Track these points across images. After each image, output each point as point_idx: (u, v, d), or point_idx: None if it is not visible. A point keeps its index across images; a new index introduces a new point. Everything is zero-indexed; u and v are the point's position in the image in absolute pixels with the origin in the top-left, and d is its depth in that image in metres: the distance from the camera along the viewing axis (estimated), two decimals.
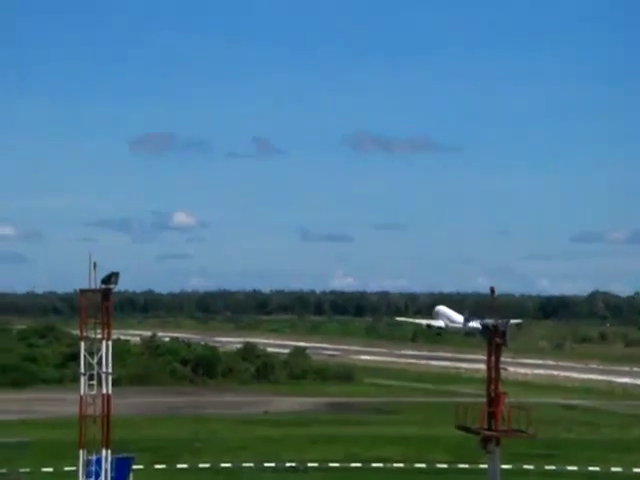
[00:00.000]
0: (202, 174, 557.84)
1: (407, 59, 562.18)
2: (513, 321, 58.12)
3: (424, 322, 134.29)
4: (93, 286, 57.08)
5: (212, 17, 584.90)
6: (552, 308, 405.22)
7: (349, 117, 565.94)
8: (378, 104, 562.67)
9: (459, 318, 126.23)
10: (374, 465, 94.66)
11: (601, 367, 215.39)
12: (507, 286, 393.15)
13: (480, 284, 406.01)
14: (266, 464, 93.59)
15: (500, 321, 57.93)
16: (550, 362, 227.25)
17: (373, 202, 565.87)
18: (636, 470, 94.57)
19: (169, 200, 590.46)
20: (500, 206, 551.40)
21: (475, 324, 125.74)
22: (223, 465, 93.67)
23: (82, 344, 58.04)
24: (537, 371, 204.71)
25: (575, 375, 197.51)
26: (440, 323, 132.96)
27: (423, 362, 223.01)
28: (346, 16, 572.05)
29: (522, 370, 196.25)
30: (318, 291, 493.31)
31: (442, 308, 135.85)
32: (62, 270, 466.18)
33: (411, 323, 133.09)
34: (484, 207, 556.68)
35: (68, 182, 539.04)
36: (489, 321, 57.95)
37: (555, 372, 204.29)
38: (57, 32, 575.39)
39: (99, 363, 57.18)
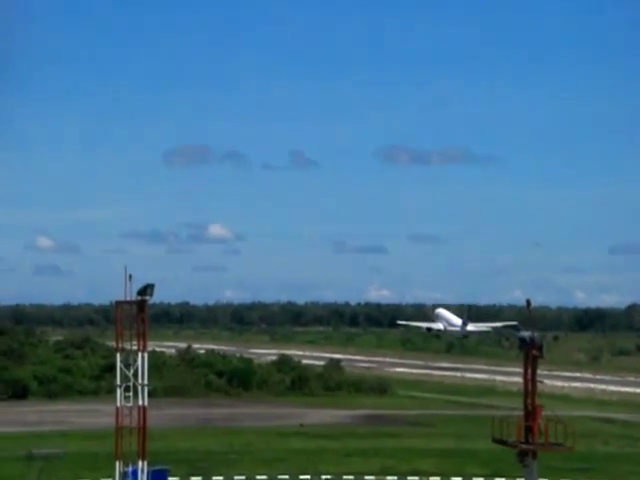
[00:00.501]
0: (237, 186, 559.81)
1: (441, 70, 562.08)
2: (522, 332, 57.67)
3: (425, 325, 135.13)
4: (129, 298, 57.30)
5: (246, 31, 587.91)
6: (589, 320, 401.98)
7: (383, 129, 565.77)
8: (412, 116, 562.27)
9: (457, 321, 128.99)
10: (410, 478, 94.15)
11: (638, 380, 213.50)
12: (543, 298, 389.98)
13: (516, 296, 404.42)
14: (302, 477, 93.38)
15: (536, 334, 57.53)
16: (587, 375, 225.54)
17: (408, 214, 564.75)
18: None
19: (204, 212, 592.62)
20: (536, 217, 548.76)
21: (472, 327, 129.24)
22: (258, 477, 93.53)
23: (118, 355, 58.25)
24: (574, 384, 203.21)
25: (612, 388, 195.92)
26: (439, 326, 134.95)
27: (458, 374, 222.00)
28: (378, 29, 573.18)
29: (559, 383, 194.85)
30: (353, 303, 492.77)
31: (442, 311, 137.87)
32: (98, 281, 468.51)
33: (414, 327, 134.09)
34: (519, 218, 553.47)
35: (104, 194, 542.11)
36: (526, 333, 57.56)
37: (592, 385, 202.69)
38: (91, 47, 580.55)
39: (135, 375, 57.33)
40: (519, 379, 61.28)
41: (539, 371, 58.65)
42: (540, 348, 57.22)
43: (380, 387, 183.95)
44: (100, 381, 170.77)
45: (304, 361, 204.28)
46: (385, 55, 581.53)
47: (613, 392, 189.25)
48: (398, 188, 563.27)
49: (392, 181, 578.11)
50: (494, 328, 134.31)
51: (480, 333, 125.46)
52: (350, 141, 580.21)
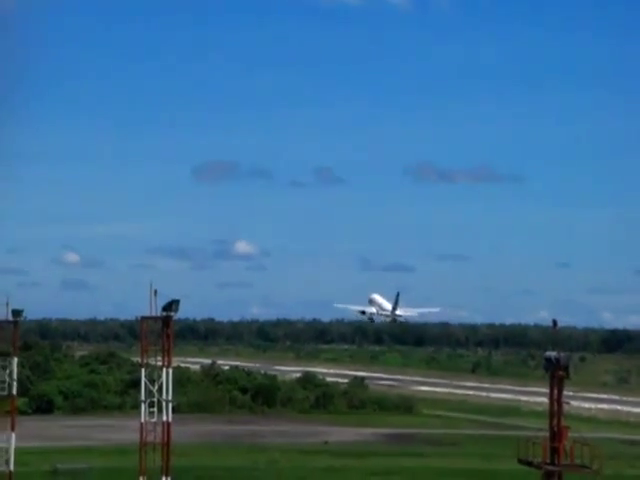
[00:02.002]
0: (264, 203, 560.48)
1: (468, 90, 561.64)
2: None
3: (359, 309, 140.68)
4: (154, 313, 57.36)
5: (274, 48, 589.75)
6: (616, 342, 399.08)
7: (411, 147, 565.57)
8: (440, 134, 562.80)
9: (388, 307, 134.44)
10: None
11: None
12: (570, 319, 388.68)
13: (542, 317, 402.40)
14: None
15: (562, 354, 57.14)
16: (614, 397, 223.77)
17: (434, 232, 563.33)
18: None
19: (231, 228, 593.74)
20: (563, 238, 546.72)
21: (400, 312, 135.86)
22: None
23: (143, 371, 58.28)
24: (600, 405, 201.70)
25: (639, 410, 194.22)
26: (372, 310, 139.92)
27: (483, 394, 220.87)
28: (408, 49, 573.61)
29: (585, 404, 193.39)
30: (378, 321, 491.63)
31: (376, 296, 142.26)
32: (124, 297, 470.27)
33: (352, 312, 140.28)
34: (546, 238, 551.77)
35: (131, 210, 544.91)
36: (552, 354, 57.20)
37: (619, 407, 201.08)
38: (122, 63, 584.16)
39: (159, 390, 57.34)
40: (544, 399, 60.83)
41: (565, 392, 58.22)
42: (566, 368, 56.81)
43: (405, 405, 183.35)
44: (125, 396, 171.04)
45: (328, 379, 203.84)
46: (413, 74, 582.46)
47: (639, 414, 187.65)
48: (424, 206, 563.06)
49: (418, 199, 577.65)
50: (420, 313, 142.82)
51: (407, 317, 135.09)
52: (377, 159, 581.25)
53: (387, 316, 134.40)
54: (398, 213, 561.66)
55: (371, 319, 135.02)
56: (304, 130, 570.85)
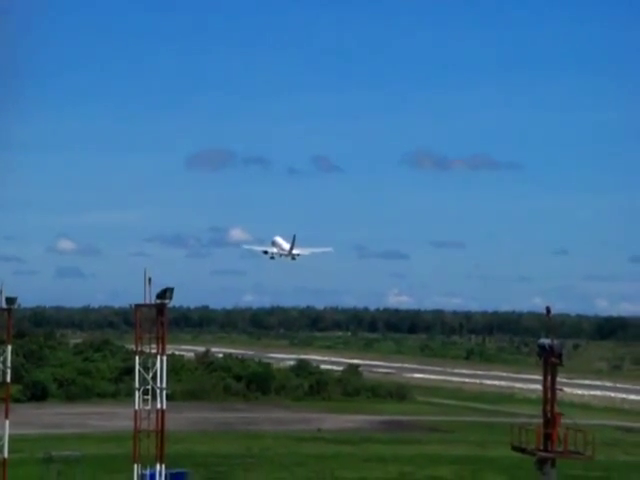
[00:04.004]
0: (260, 191, 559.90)
1: (465, 78, 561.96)
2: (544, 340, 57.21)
3: (261, 248, 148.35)
4: (148, 301, 57.31)
5: (271, 36, 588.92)
6: (610, 329, 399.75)
7: (408, 135, 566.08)
8: (436, 122, 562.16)
9: (287, 246, 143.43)
10: None
11: None
12: (564, 306, 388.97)
13: (536, 303, 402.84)
14: None
15: (556, 341, 57.19)
16: (607, 384, 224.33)
17: (430, 220, 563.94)
18: None
19: (226, 216, 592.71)
20: (558, 225, 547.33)
21: (296, 251, 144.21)
22: None
23: (137, 359, 58.27)
24: (594, 392, 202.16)
25: (633, 397, 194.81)
26: (274, 250, 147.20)
27: (477, 381, 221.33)
28: (405, 37, 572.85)
29: (579, 391, 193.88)
30: (372, 308, 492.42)
31: (277, 238, 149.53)
32: (119, 284, 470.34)
33: (257, 251, 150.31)
34: (542, 226, 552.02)
35: (126, 198, 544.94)
36: (545, 341, 57.25)
37: (612, 394, 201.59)
38: (116, 51, 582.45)
39: (154, 378, 57.34)
40: (538, 386, 60.93)
41: (559, 379, 58.34)
42: (560, 356, 56.87)
43: (399, 393, 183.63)
44: (119, 384, 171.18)
45: (322, 366, 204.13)
46: (411, 62, 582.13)
47: (633, 401, 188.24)
48: (421, 194, 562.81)
49: (415, 187, 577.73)
50: (312, 253, 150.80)
51: (302, 256, 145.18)
52: (373, 147, 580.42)
53: (286, 255, 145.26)
54: (395, 201, 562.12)
55: (272, 257, 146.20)
56: (301, 118, 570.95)
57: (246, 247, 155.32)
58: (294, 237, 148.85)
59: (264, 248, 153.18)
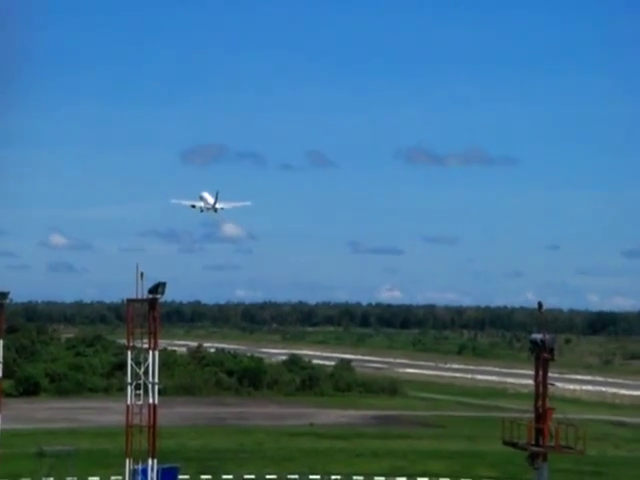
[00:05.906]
0: (253, 186, 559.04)
1: (460, 73, 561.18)
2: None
3: (190, 203, 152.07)
4: (140, 296, 57.33)
5: (265, 31, 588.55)
6: (602, 324, 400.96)
7: (402, 130, 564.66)
8: (431, 117, 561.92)
9: (212, 201, 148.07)
10: (420, 479, 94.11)
11: None
12: (556, 301, 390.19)
13: (528, 299, 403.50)
14: (311, 476, 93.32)
15: (548, 336, 57.35)
16: (599, 378, 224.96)
17: (424, 215, 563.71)
18: None
19: (220, 211, 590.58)
20: (551, 220, 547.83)
21: (219, 205, 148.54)
22: (268, 477, 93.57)
23: (129, 353, 58.31)
24: (585, 387, 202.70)
25: (624, 392, 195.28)
26: (200, 204, 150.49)
27: (469, 376, 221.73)
28: (397, 31, 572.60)
29: (570, 386, 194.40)
30: (364, 303, 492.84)
31: (205, 193, 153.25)
32: (111, 279, 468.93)
33: (185, 205, 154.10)
34: (535, 221, 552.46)
35: (119, 192, 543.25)
36: (537, 336, 57.40)
37: (604, 388, 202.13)
38: (108, 46, 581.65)
39: (146, 373, 57.38)
40: (530, 381, 61.09)
41: (550, 374, 58.50)
42: (551, 350, 57.05)
43: (391, 388, 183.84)
44: (111, 379, 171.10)
45: (315, 361, 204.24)
46: (404, 57, 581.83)
47: (625, 396, 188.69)
48: (415, 189, 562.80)
49: (408, 182, 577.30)
50: (234, 207, 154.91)
51: (226, 209, 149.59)
52: (367, 142, 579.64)
53: (209, 209, 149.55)
54: (389, 196, 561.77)
55: (202, 211, 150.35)
56: (295, 113, 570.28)
57: (174, 201, 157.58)
58: (217, 192, 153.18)
59: (192, 202, 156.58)
